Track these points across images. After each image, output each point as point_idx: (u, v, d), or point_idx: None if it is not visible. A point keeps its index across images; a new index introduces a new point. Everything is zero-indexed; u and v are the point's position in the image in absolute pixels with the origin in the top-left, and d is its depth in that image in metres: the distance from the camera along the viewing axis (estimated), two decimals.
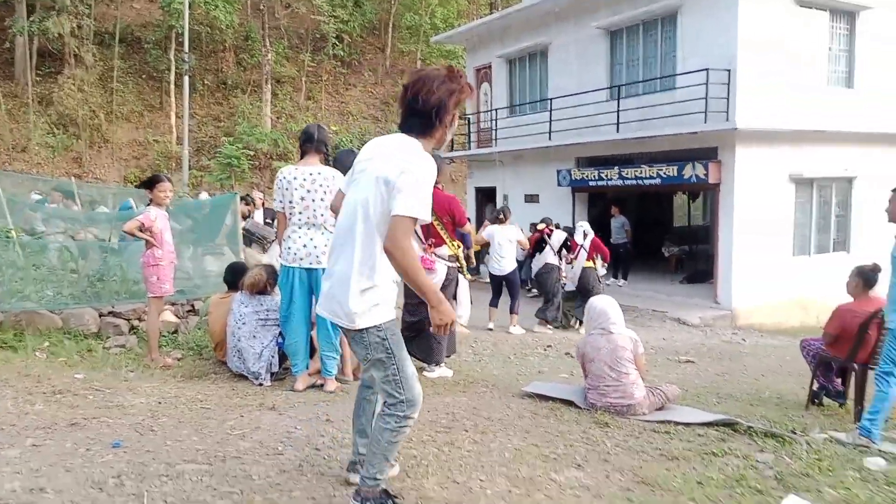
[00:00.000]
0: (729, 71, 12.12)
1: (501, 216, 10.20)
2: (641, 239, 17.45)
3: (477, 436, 4.02)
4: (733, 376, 7.34)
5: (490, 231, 10.05)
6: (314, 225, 4.59)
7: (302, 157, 4.72)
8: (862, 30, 13.62)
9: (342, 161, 4.88)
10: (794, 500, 3.31)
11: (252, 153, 24.77)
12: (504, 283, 10.15)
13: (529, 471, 3.47)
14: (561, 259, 10.58)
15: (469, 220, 5.88)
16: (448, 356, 6.08)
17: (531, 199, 17.26)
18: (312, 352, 5.14)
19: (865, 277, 5.43)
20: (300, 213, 4.57)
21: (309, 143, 4.67)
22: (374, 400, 3.09)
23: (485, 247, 10.49)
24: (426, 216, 2.57)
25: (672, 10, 13.30)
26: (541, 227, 11.09)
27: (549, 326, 10.44)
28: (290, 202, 4.58)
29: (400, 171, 2.55)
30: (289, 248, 4.64)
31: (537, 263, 10.76)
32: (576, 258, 10.60)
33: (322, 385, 4.95)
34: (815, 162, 13.18)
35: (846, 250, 13.77)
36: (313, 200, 4.54)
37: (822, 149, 13.23)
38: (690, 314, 12.44)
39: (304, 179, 4.55)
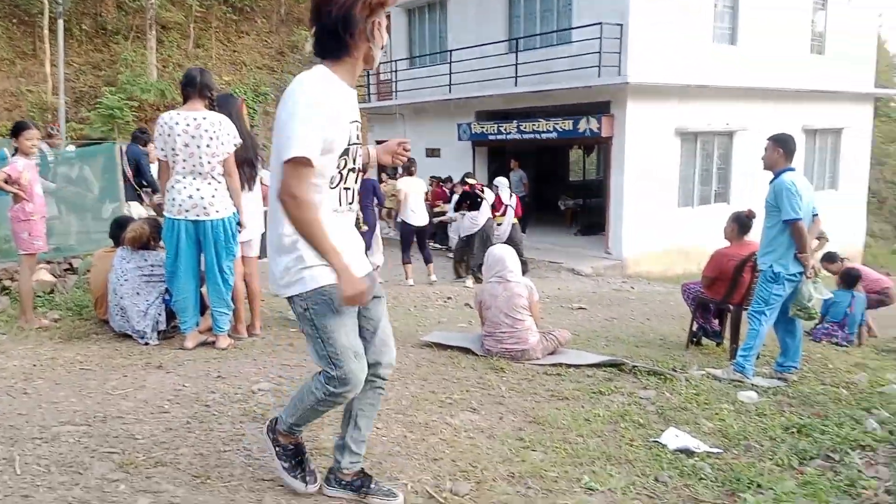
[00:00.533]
0: (621, 26, 12.38)
1: (413, 168, 10.17)
2: (539, 192, 17.84)
3: None
4: (621, 321, 7.69)
5: (406, 183, 9.97)
6: (200, 174, 4.35)
7: (185, 102, 4.45)
8: None
9: (223, 106, 4.63)
10: (673, 431, 3.52)
11: (136, 104, 23.24)
12: (417, 235, 10.18)
13: (425, 416, 3.52)
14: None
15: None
16: None
17: (432, 153, 17.22)
18: (204, 308, 4.95)
19: (741, 223, 5.76)
20: (184, 160, 4.32)
21: (191, 86, 4.39)
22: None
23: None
24: (308, 151, 2.13)
25: None
26: (472, 182, 10.95)
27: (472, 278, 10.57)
28: (173, 150, 4.32)
29: (279, 112, 2.23)
30: (173, 199, 4.39)
31: (471, 219, 10.45)
32: (503, 215, 10.75)
33: (214, 342, 4.79)
34: (699, 116, 13.79)
35: (727, 202, 14.58)
36: (198, 147, 4.30)
37: (706, 104, 13.84)
38: (584, 264, 12.90)
39: (188, 125, 4.29)
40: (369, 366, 2.47)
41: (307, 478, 2.60)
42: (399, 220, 10.25)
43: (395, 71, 17.73)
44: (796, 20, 15.35)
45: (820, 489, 2.91)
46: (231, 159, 4.46)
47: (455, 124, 15.86)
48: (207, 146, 4.32)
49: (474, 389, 4.11)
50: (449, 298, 8.90)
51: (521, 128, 14.04)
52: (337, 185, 2.31)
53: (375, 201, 9.76)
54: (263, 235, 5.38)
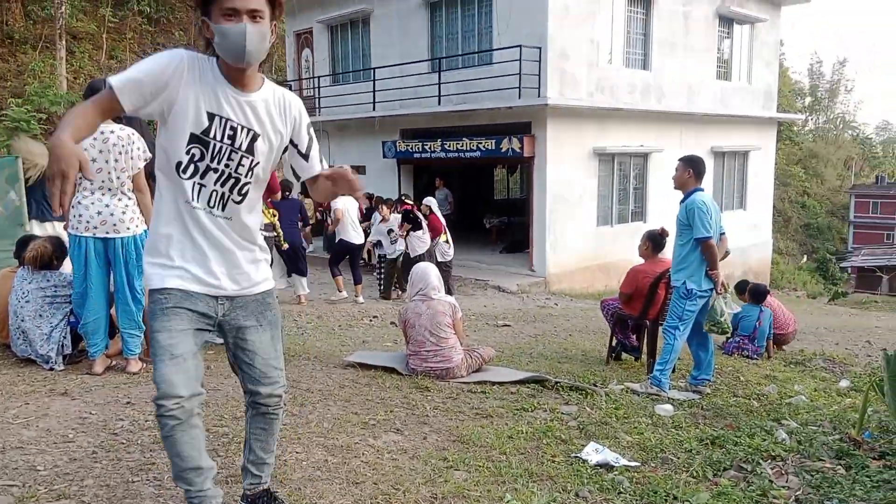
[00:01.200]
0: (540, 49, 12.71)
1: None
2: (465, 211, 17.99)
3: (295, 408, 3.91)
4: (545, 337, 7.81)
5: (344, 202, 10.00)
6: (109, 189, 4.15)
7: None
8: (657, 15, 14.86)
9: (131, 119, 4.44)
10: (594, 446, 3.58)
11: (45, 116, 22.13)
12: (352, 253, 10.28)
13: (347, 439, 3.44)
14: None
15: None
16: None
17: (357, 170, 17.05)
18: (113, 331, 4.71)
19: (654, 241, 5.97)
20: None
21: None
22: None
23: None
24: (118, 80, 2.08)
25: None
26: (409, 202, 10.91)
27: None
28: None
29: None
30: (80, 215, 4.16)
31: (419, 238, 10.42)
32: (446, 233, 10.80)
33: (124, 367, 4.55)
34: (615, 138, 14.28)
35: (643, 220, 15.11)
36: (107, 162, 4.10)
37: (622, 126, 14.37)
38: (509, 282, 13.07)
39: (95, 139, 4.08)
40: (248, 393, 2.41)
41: None
42: (339, 238, 10.22)
43: (318, 87, 17.58)
44: (704, 48, 16.18)
45: (733, 500, 3.00)
46: (141, 175, 4.28)
47: (380, 142, 15.85)
48: (116, 161, 4.13)
49: (398, 409, 4.06)
50: (375, 317, 8.82)
51: (446, 146, 14.16)
52: (190, 176, 2.21)
53: (300, 223, 9.73)
54: None
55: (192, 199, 2.23)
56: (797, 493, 3.16)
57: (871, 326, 11.07)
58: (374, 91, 15.42)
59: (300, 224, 9.79)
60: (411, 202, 10.99)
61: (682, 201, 5.13)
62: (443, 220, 10.88)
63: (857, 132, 60.67)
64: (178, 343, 2.22)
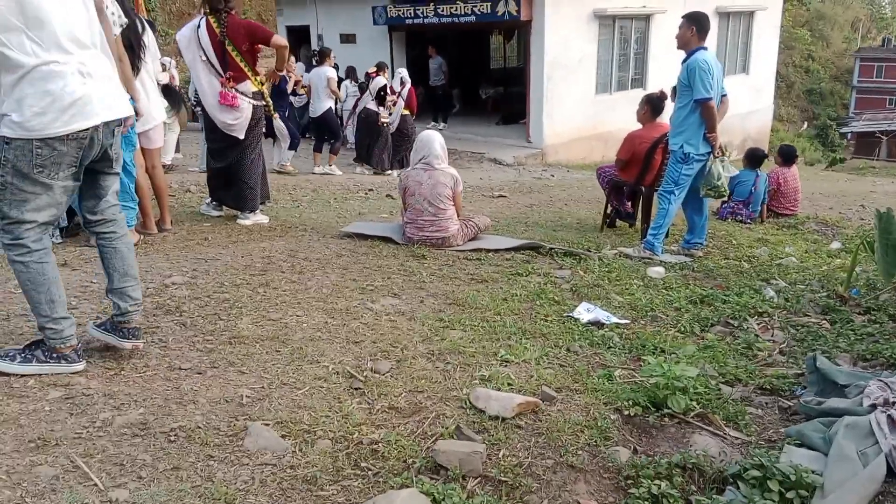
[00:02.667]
0: None
1: (318, 58, 10.18)
2: (459, 81, 17.49)
3: (294, 276, 3.98)
4: (540, 207, 7.83)
5: (309, 74, 10.12)
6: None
7: None
8: None
9: None
10: (585, 305, 3.68)
11: None
12: (321, 123, 10.32)
13: (346, 303, 3.52)
14: (380, 105, 10.44)
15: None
16: (263, 203, 5.84)
17: (347, 39, 16.45)
18: None
19: (653, 104, 5.84)
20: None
21: None
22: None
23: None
24: None
25: None
26: (371, 70, 10.66)
27: (366, 168, 10.68)
28: None
29: None
30: None
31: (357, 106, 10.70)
32: (394, 105, 10.54)
33: None
34: None
35: (643, 87, 14.71)
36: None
37: None
38: (505, 154, 12.95)
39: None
40: None
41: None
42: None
43: None
44: None
45: (719, 352, 3.13)
46: (118, 42, 4.10)
47: (370, 7, 15.13)
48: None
49: (396, 276, 4.13)
50: (370, 190, 8.80)
51: (439, 11, 13.54)
52: None
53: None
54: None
55: None
56: (781, 345, 3.29)
57: (867, 191, 11.11)
58: None
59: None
60: (371, 71, 10.69)
61: (684, 61, 4.97)
62: (399, 91, 10.75)
63: None
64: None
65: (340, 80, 11.68)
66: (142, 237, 4.69)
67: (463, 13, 13.21)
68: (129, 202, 4.44)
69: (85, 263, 4.04)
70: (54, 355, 2.54)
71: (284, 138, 9.46)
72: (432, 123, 14.91)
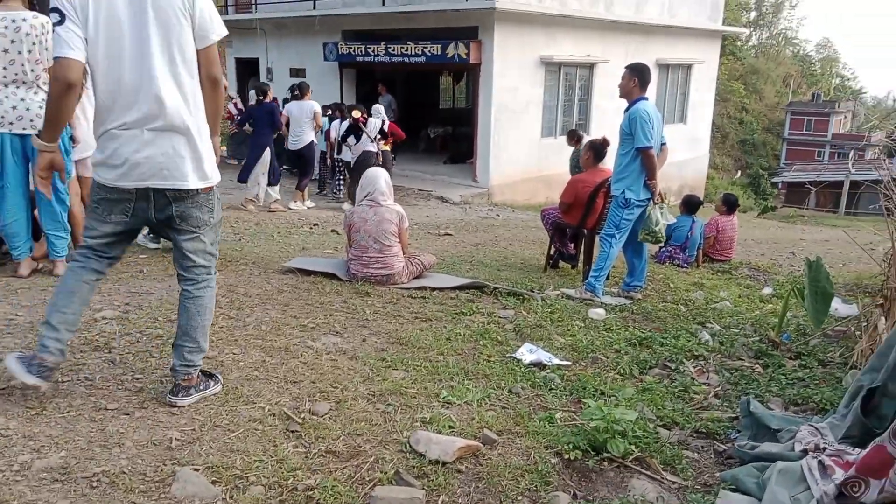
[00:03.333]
0: None
1: (298, 91, 10.23)
2: (408, 120, 17.64)
3: (232, 312, 3.88)
4: (486, 246, 7.89)
5: (289, 107, 10.06)
6: (24, 82, 3.87)
7: None
8: None
9: (43, 4, 4.09)
10: (528, 346, 3.69)
11: None
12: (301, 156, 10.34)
13: (286, 341, 3.45)
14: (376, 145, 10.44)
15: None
16: None
17: (297, 73, 16.45)
18: (38, 233, 4.51)
19: (595, 150, 5.99)
20: (4, 68, 3.81)
21: None
22: (95, 286, 2.68)
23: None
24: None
25: None
26: (356, 114, 10.56)
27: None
28: None
29: None
30: None
31: (356, 151, 10.33)
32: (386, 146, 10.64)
33: (51, 269, 4.40)
34: (562, 47, 14.07)
35: (587, 132, 15.13)
36: (20, 53, 3.79)
37: (569, 34, 14.13)
38: (452, 192, 13.06)
39: (6, 27, 3.77)
40: None
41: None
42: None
43: None
44: None
45: (657, 395, 3.17)
46: None
47: (321, 43, 15.21)
48: (30, 51, 3.83)
49: (338, 313, 4.07)
50: (315, 225, 8.73)
51: (390, 50, 13.70)
52: None
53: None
54: None
55: None
56: (717, 388, 3.36)
57: (797, 239, 11.61)
58: None
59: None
60: (357, 116, 10.62)
61: (626, 110, 5.13)
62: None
63: (797, 49, 61.48)
64: None
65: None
66: None
67: (413, 54, 13.41)
68: (60, 231, 4.28)
69: (10, 295, 3.84)
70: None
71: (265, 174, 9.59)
72: None
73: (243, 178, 9.61)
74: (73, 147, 4.26)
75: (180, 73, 2.41)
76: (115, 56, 2.35)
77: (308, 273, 5.06)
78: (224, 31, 2.49)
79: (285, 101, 11.01)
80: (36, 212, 4.36)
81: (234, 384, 2.84)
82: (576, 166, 9.15)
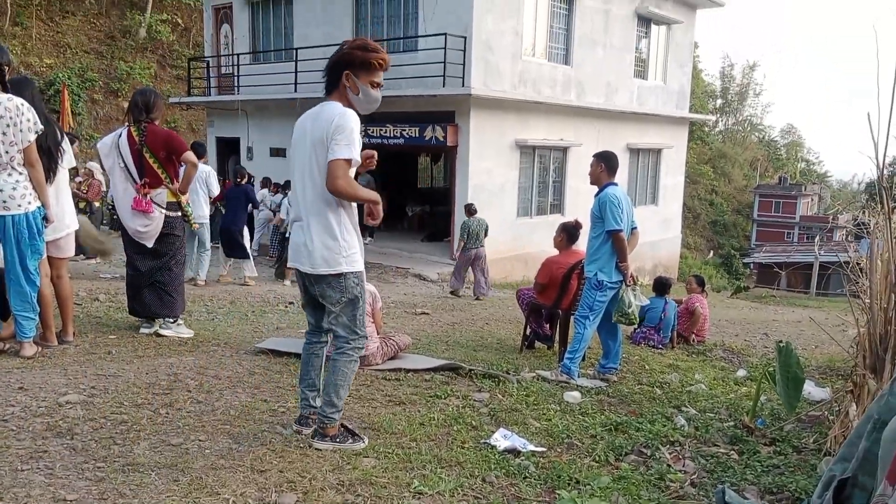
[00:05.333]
0: (465, 38, 12.74)
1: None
2: (388, 198, 17.89)
3: (201, 395, 3.79)
4: (462, 325, 7.87)
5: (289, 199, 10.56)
6: None
7: None
8: (579, 11, 15.15)
9: (19, 88, 4.16)
10: (503, 432, 3.63)
11: None
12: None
13: (255, 426, 3.36)
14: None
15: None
16: (181, 313, 5.67)
17: (277, 152, 16.72)
18: (6, 313, 4.43)
19: (569, 232, 6.11)
20: None
21: None
22: (321, 353, 3.37)
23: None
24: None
25: None
26: None
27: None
28: None
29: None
30: None
31: None
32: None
33: (18, 350, 4.30)
34: (536, 131, 14.51)
35: (561, 212, 15.45)
36: None
37: (543, 119, 14.61)
38: (430, 270, 13.11)
39: None
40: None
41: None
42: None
43: (237, 65, 17.05)
44: (623, 46, 16.64)
45: (632, 484, 3.11)
46: (32, 148, 4.02)
47: None
48: (4, 134, 3.87)
49: None
50: (290, 303, 8.65)
51: (369, 132, 14.01)
52: None
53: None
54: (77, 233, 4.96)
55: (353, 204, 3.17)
56: (693, 476, 3.31)
57: (770, 319, 11.75)
58: (296, 72, 15.08)
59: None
60: None
61: (597, 195, 5.26)
62: None
63: (763, 134, 63.95)
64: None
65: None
66: (40, 349, 4.40)
67: (392, 136, 13.73)
68: (29, 312, 4.21)
69: None
70: None
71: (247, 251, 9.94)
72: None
73: (239, 255, 10.18)
74: (46, 227, 4.24)
75: (313, 182, 3.06)
76: (292, 170, 3.22)
77: (281, 354, 4.99)
78: (338, 156, 2.92)
79: (236, 182, 10.77)
80: (5, 292, 4.29)
81: (198, 473, 2.75)
82: (469, 236, 10.90)
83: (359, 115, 3.08)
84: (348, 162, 2.95)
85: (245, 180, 10.60)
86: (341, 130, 2.93)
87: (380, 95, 3.17)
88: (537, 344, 6.46)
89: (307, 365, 3.35)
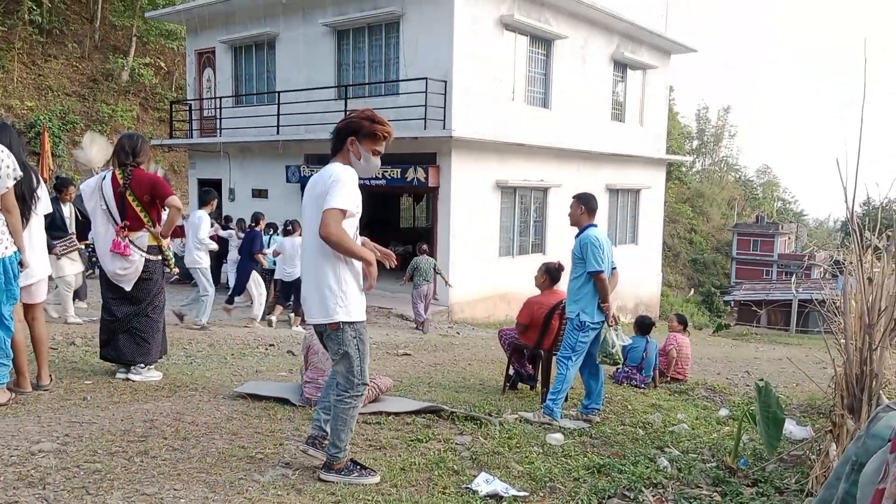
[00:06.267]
0: (445, 82, 12.95)
1: (290, 227, 10.91)
2: (369, 238, 17.89)
3: (177, 442, 3.72)
4: (444, 366, 7.82)
5: (282, 242, 10.88)
6: None
7: None
8: (557, 57, 15.49)
9: (0, 136, 4.15)
10: (484, 476, 3.59)
11: None
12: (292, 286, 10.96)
13: (231, 474, 3.30)
14: None
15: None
16: (160, 357, 5.59)
17: (259, 194, 16.74)
18: None
19: (551, 273, 6.14)
20: None
21: None
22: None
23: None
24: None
25: (395, 18, 13.85)
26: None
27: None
28: None
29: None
30: None
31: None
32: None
33: None
34: (517, 172, 14.69)
35: (542, 252, 15.55)
36: None
37: (523, 160, 14.81)
38: (412, 311, 13.04)
39: None
40: None
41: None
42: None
43: (220, 108, 17.16)
44: (600, 90, 17.00)
45: None
46: (10, 194, 4.00)
47: (283, 166, 15.60)
48: None
49: (288, 442, 3.93)
50: (271, 346, 8.57)
51: None
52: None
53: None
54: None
55: None
56: None
57: (751, 357, 11.80)
58: (278, 115, 15.21)
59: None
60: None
61: (577, 236, 5.31)
62: None
63: (739, 174, 65.20)
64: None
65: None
66: (13, 396, 4.31)
67: (374, 177, 13.77)
68: (3, 358, 4.13)
69: None
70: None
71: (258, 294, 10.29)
72: None
73: (231, 301, 10.65)
74: (21, 272, 4.19)
75: (313, 235, 3.20)
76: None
77: (260, 398, 4.92)
78: (330, 205, 3.09)
79: (249, 227, 11.39)
80: None
81: None
82: (416, 272, 11.81)
83: None
84: (342, 212, 3.10)
85: (257, 225, 11.09)
86: (336, 183, 3.11)
87: (379, 162, 3.40)
88: (520, 384, 6.43)
89: (328, 388, 3.52)
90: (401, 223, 23.78)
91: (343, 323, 3.19)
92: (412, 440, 4.19)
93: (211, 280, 9.29)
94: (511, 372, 6.37)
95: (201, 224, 9.24)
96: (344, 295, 3.19)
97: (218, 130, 17.36)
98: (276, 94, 15.53)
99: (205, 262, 9.23)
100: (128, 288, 5.08)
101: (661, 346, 7.68)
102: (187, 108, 18.58)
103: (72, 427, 3.82)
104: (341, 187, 3.12)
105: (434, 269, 12.16)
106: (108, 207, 5.02)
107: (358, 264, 3.30)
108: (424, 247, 12.35)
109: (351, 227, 3.24)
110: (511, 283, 14.29)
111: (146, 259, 5.08)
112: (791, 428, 4.71)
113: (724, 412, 6.19)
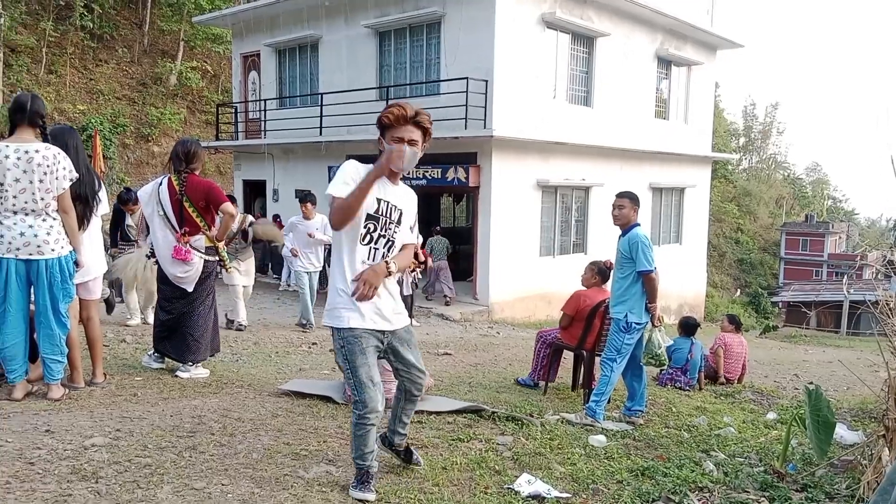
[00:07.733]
0: (486, 82, 12.93)
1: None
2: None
3: (224, 438, 3.80)
4: (485, 366, 7.82)
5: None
6: (33, 210, 4.00)
7: (13, 131, 4.09)
8: (599, 54, 15.33)
9: (58, 137, 4.31)
10: (526, 477, 3.58)
11: None
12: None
13: (276, 470, 3.36)
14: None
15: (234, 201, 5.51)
16: (212, 355, 5.77)
17: (304, 193, 16.95)
18: (35, 355, 4.51)
19: (602, 272, 6.08)
20: (15, 196, 3.96)
21: (20, 113, 4.03)
22: (401, 387, 3.45)
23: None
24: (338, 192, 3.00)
25: (436, 18, 13.87)
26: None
27: None
28: (1, 184, 3.95)
29: None
30: (1, 235, 3.99)
31: None
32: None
33: (45, 393, 4.35)
34: (558, 171, 14.57)
35: (584, 252, 15.41)
36: (31, 182, 3.95)
37: (565, 159, 14.67)
38: (452, 310, 13.10)
39: (19, 158, 3.94)
40: (404, 385, 3.37)
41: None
42: None
43: (264, 110, 17.45)
44: (643, 87, 16.74)
45: None
46: (66, 195, 4.15)
47: (326, 167, 15.76)
48: (41, 181, 3.99)
49: (332, 440, 3.99)
50: (314, 344, 8.69)
51: None
52: (367, 243, 3.09)
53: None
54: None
55: (368, 260, 3.09)
56: None
57: (800, 360, 11.50)
58: (321, 116, 15.39)
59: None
60: None
61: (623, 235, 5.24)
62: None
63: (788, 172, 63.53)
64: (374, 373, 3.07)
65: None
66: (67, 391, 4.46)
67: (415, 177, 13.86)
68: (58, 355, 4.28)
69: (2, 419, 3.79)
70: None
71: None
72: None
73: None
74: (77, 271, 4.33)
75: None
76: None
77: (304, 396, 5.00)
78: (330, 193, 3.06)
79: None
80: (35, 335, 4.37)
81: None
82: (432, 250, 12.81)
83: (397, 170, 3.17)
84: (334, 199, 3.04)
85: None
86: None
87: (407, 149, 3.11)
88: (558, 383, 6.38)
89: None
90: (440, 223, 23.81)
91: (332, 328, 3.09)
92: (453, 439, 4.20)
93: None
94: (540, 370, 6.32)
95: (325, 227, 9.46)
96: (336, 298, 3.08)
97: (262, 132, 17.65)
98: (319, 96, 15.71)
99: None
100: (189, 289, 5.29)
101: (711, 347, 7.56)
102: (233, 110, 18.94)
103: (123, 422, 3.93)
104: (335, 176, 3.12)
105: (447, 249, 13.49)
106: (165, 214, 5.19)
107: (357, 258, 3.10)
108: (437, 228, 13.62)
109: (358, 227, 3.07)
110: (551, 283, 14.19)
111: (205, 260, 5.25)
112: (842, 432, 4.58)
113: (771, 416, 6.05)
